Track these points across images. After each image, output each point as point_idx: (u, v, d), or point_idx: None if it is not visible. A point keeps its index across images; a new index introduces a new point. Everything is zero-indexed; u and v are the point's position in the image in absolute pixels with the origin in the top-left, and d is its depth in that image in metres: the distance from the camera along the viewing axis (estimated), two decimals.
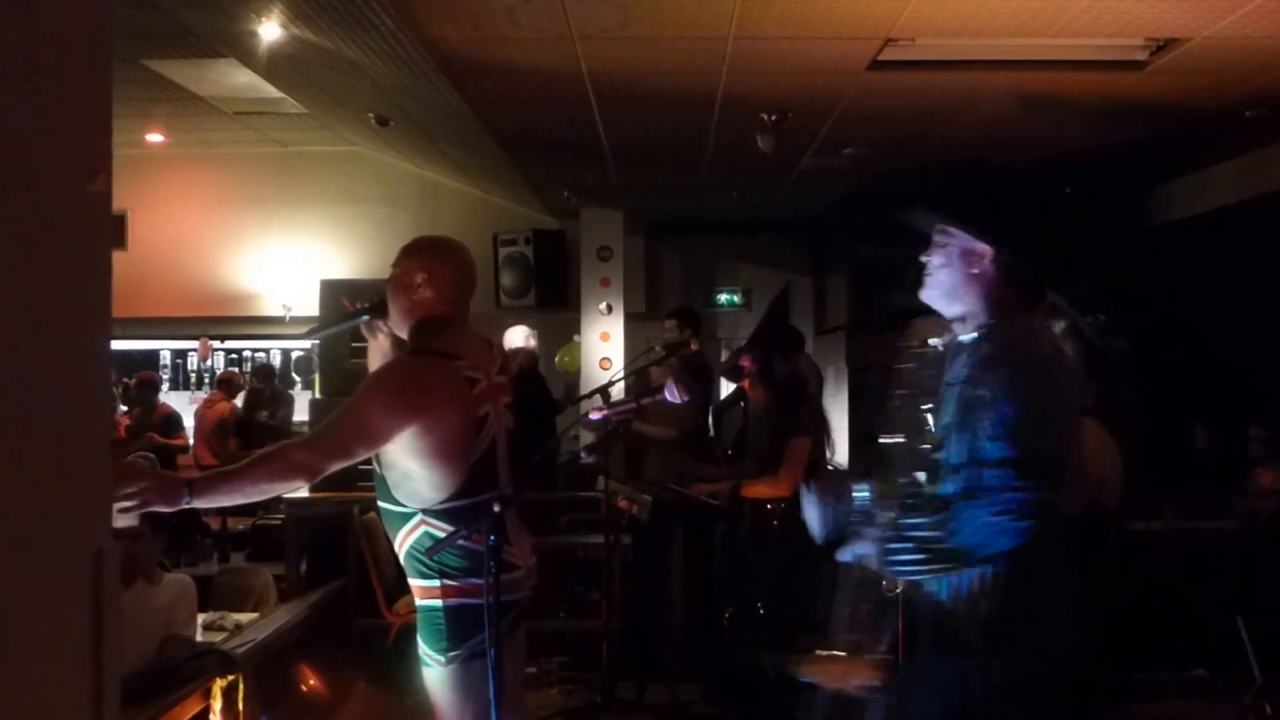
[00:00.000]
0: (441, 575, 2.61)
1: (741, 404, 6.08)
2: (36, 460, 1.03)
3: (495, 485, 2.63)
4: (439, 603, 2.62)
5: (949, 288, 2.33)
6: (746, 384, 4.98)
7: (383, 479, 2.65)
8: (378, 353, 2.94)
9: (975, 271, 2.31)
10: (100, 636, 1.11)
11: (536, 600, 3.13)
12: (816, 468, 4.90)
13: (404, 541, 2.66)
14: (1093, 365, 2.91)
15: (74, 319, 1.11)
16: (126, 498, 2.29)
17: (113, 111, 1.18)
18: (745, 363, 4.99)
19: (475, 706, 2.59)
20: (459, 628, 2.61)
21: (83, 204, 1.11)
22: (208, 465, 8.42)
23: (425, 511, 2.60)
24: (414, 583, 2.69)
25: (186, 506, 2.39)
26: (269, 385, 9.01)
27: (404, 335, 2.74)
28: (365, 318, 2.87)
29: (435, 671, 2.66)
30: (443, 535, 2.58)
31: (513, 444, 2.75)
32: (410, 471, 2.59)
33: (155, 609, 3.64)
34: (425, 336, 2.67)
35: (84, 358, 1.13)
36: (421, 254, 2.72)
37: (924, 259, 2.40)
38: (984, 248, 2.32)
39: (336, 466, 2.52)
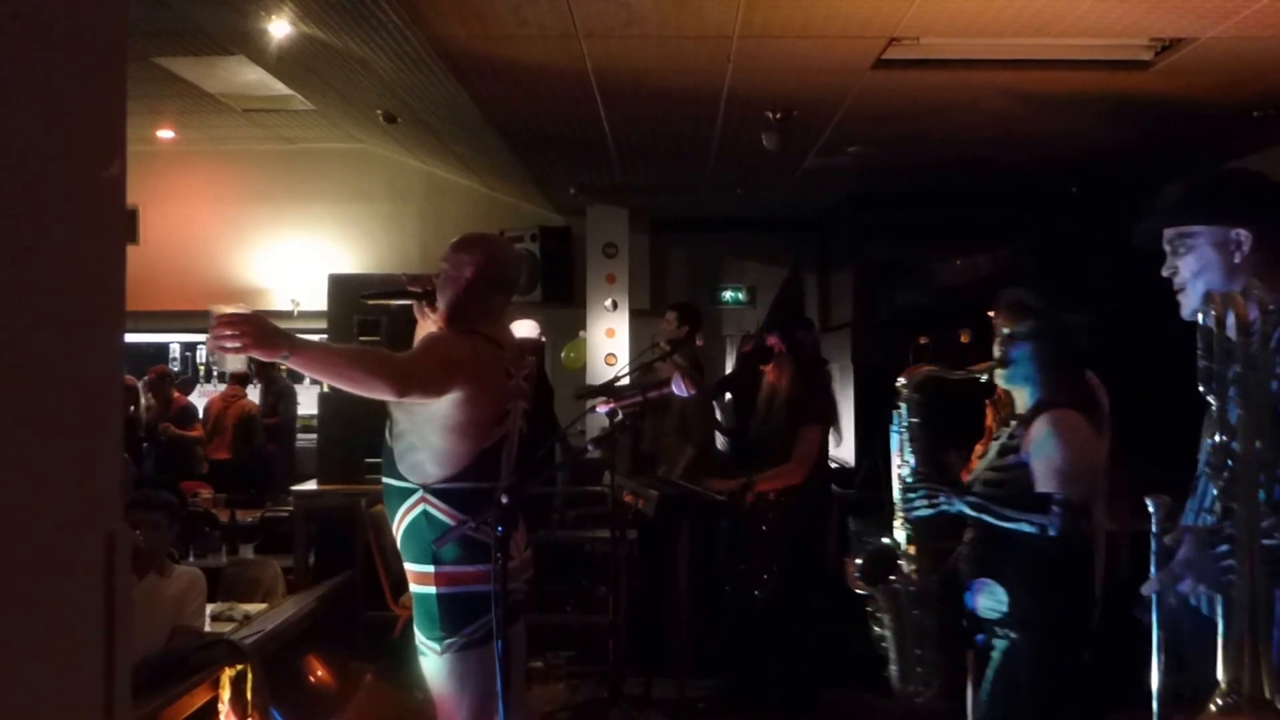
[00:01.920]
0: (435, 561, 2.63)
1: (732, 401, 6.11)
2: (51, 444, 1.05)
3: (497, 476, 2.68)
4: (432, 590, 2.64)
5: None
6: (771, 367, 4.89)
7: (390, 451, 2.69)
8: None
9: (1237, 262, 1.97)
10: (112, 617, 1.12)
11: (544, 594, 3.17)
12: (824, 456, 4.92)
13: (402, 520, 2.68)
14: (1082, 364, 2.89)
15: (88, 307, 1.12)
16: (231, 338, 2.33)
17: (126, 105, 1.19)
18: (773, 341, 4.91)
19: (472, 696, 2.61)
20: (453, 616, 2.62)
21: (97, 194, 1.13)
22: (220, 460, 8.49)
23: (425, 489, 2.63)
24: (409, 567, 2.70)
25: (283, 362, 2.48)
26: (273, 383, 9.01)
27: (446, 326, 2.82)
28: (419, 300, 2.97)
29: (432, 661, 2.67)
30: (439, 515, 2.62)
31: (522, 446, 2.80)
32: (420, 443, 2.64)
33: (166, 600, 3.69)
34: (472, 321, 2.76)
35: (97, 344, 1.15)
36: (470, 249, 2.81)
37: (1166, 274, 2.06)
38: (1238, 232, 1.97)
39: (414, 394, 2.57)
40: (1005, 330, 2.75)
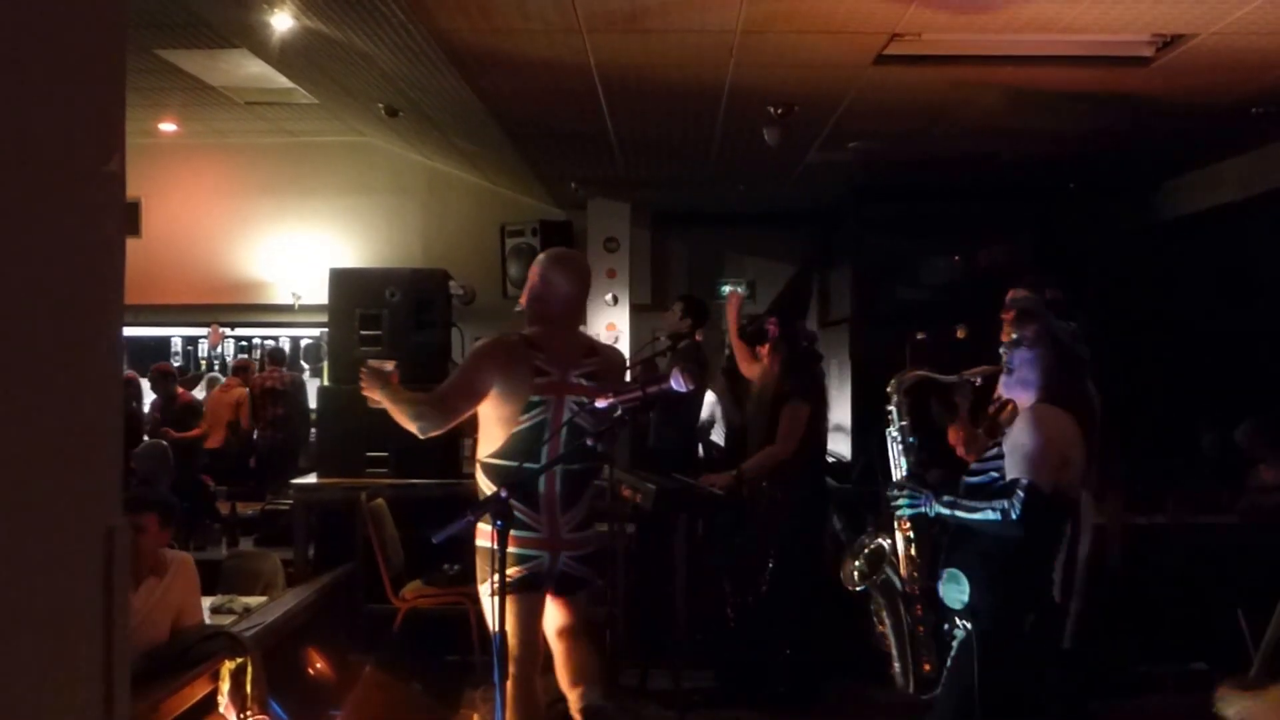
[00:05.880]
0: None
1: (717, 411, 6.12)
2: (50, 440, 1.05)
3: (535, 459, 3.17)
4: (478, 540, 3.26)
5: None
6: (766, 349, 4.99)
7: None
8: None
9: None
10: (110, 613, 1.14)
11: None
12: (816, 438, 4.95)
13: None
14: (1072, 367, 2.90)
15: (87, 302, 1.13)
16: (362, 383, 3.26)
17: (125, 100, 1.20)
18: (771, 325, 5.01)
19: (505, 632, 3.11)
20: (479, 563, 3.26)
21: (94, 188, 1.14)
22: (213, 449, 8.50)
23: (479, 463, 3.27)
24: None
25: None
26: (283, 379, 9.01)
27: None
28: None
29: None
30: (484, 485, 3.21)
31: (574, 435, 3.26)
32: (480, 427, 3.24)
33: (166, 600, 3.65)
34: (528, 324, 3.33)
35: (95, 340, 1.15)
36: (539, 263, 3.37)
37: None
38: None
39: (453, 417, 3.22)
40: (1013, 335, 2.76)
